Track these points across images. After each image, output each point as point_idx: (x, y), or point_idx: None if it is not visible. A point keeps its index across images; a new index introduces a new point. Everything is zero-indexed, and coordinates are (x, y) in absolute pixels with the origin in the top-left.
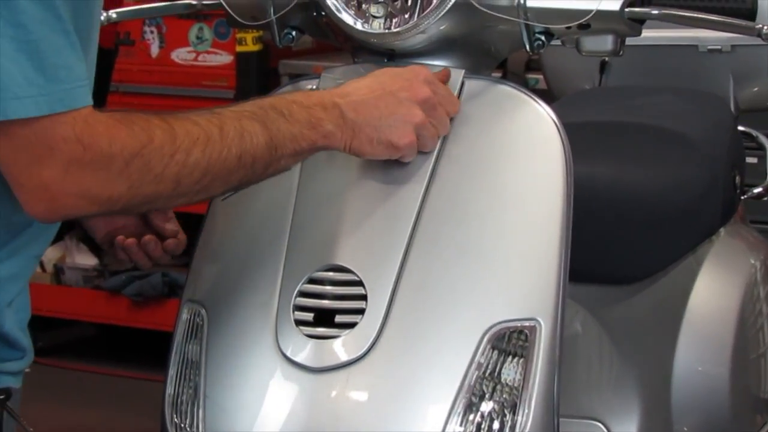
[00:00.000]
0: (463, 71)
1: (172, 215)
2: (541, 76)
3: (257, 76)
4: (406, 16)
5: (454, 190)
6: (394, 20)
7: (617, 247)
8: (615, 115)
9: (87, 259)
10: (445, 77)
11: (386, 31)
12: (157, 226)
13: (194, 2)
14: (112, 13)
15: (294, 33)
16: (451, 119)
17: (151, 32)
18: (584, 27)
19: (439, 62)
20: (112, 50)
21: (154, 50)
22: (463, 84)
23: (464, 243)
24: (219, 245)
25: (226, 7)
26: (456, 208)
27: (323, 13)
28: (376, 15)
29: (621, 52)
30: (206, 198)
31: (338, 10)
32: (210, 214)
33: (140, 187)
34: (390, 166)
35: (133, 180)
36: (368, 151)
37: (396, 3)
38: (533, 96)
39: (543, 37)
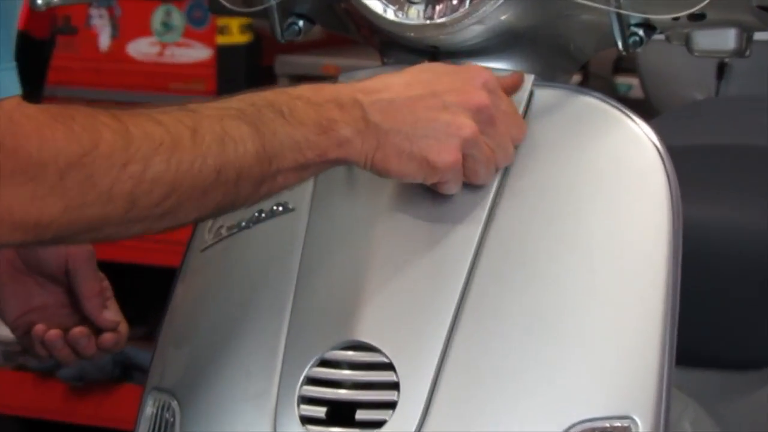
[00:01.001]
0: (532, 77)
1: (112, 298)
2: (635, 81)
3: (245, 77)
4: (454, 1)
5: (520, 240)
6: (437, 7)
7: (740, 320)
8: (738, 136)
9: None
10: (514, 84)
11: (427, 21)
12: (90, 312)
13: None
14: None
15: (301, 23)
16: (515, 147)
17: (100, 17)
18: (697, 18)
19: (500, 65)
20: (47, 41)
21: (104, 41)
22: (532, 94)
23: (533, 314)
24: (196, 313)
25: None
26: (522, 266)
27: None
28: (415, 0)
29: (747, 53)
30: (173, 226)
31: None
32: (184, 269)
33: (80, 209)
34: (431, 203)
35: (71, 198)
36: (395, 167)
37: None
38: (626, 110)
39: (641, 32)
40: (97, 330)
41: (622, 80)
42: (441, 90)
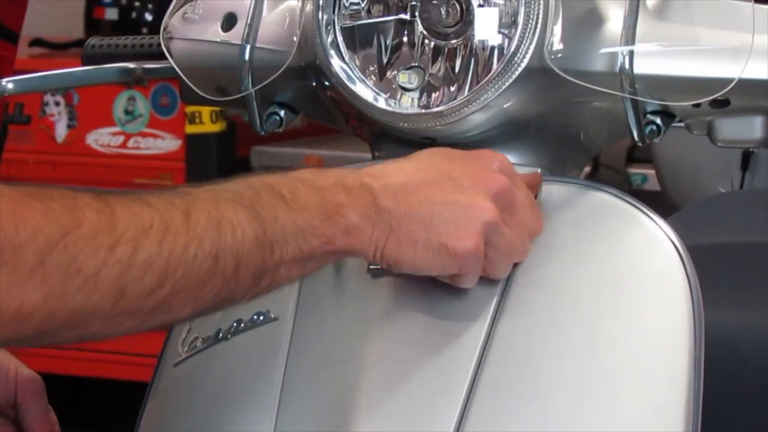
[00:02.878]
0: (539, 171)
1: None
2: (651, 172)
3: (218, 170)
4: (452, 88)
5: (527, 349)
6: (434, 95)
7: None
8: (765, 233)
9: None
10: (532, 184)
11: (422, 110)
12: None
13: (132, 66)
14: (8, 83)
15: (282, 113)
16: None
17: (56, 104)
18: (721, 104)
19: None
20: None
21: (61, 131)
22: (539, 189)
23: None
24: None
25: (182, 76)
26: (530, 381)
27: (327, 83)
28: (408, 86)
29: None
30: (166, 322)
31: (351, 79)
32: (155, 385)
33: (63, 298)
34: (427, 311)
35: (53, 284)
36: (409, 257)
37: (437, 69)
38: (642, 206)
39: (659, 120)
40: None
41: (636, 171)
42: (456, 173)
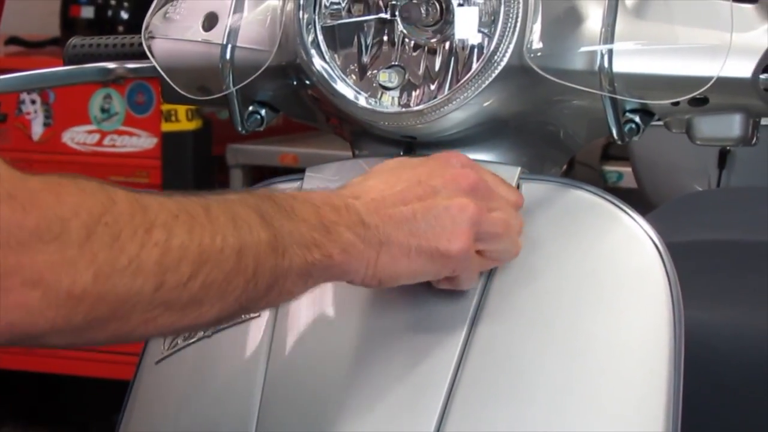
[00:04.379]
0: (518, 169)
1: None
2: (626, 170)
3: (194, 168)
4: (432, 86)
5: (508, 347)
6: (414, 93)
7: (746, 428)
8: (743, 231)
9: None
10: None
11: (403, 109)
12: None
13: (114, 66)
14: None
15: (263, 112)
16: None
17: (32, 102)
18: (700, 102)
19: (484, 156)
20: None
21: (37, 129)
22: (518, 188)
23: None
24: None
25: (164, 75)
26: (510, 378)
27: (308, 82)
28: (389, 85)
29: (754, 140)
30: (197, 324)
31: (332, 78)
32: (137, 383)
33: (111, 278)
34: (408, 309)
35: (101, 262)
36: (403, 267)
37: (417, 68)
38: (622, 204)
39: (638, 118)
40: None
41: (612, 169)
42: (424, 176)
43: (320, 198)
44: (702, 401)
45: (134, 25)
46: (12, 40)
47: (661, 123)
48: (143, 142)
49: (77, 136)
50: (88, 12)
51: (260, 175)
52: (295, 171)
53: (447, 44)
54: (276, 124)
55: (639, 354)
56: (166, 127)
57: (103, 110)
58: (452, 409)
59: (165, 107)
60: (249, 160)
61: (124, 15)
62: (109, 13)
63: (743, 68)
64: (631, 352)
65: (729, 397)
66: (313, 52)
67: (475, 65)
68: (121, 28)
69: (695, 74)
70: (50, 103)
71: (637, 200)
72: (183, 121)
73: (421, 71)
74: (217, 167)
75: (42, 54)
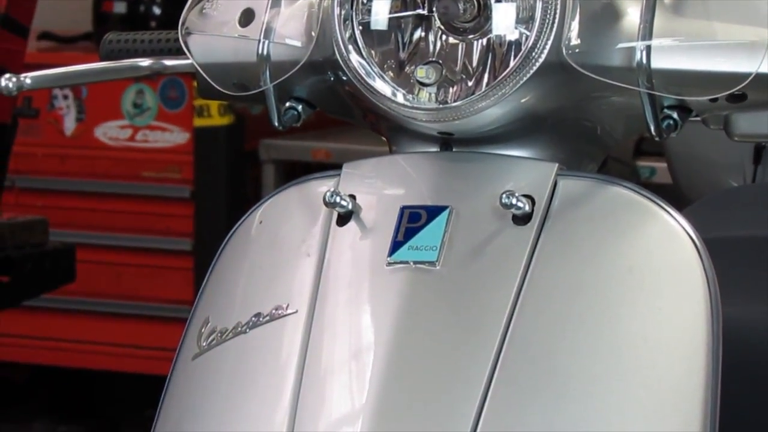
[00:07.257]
0: (555, 166)
1: None
2: (659, 165)
3: (226, 164)
4: (470, 83)
5: (545, 343)
6: (451, 90)
7: None
8: None
9: None
10: None
11: (440, 105)
12: None
13: (150, 62)
14: (26, 78)
15: (300, 107)
16: (539, 237)
17: (65, 98)
18: (738, 99)
19: (520, 153)
20: (9, 126)
21: (69, 125)
22: (555, 185)
23: (559, 429)
24: (186, 428)
25: (201, 71)
26: (547, 374)
27: (344, 79)
28: (426, 81)
29: None
30: None
31: (369, 74)
32: (174, 379)
33: None
34: (445, 306)
35: None
36: None
37: (454, 64)
38: (659, 200)
39: (675, 114)
40: None
41: (645, 164)
42: None
43: None
44: (738, 398)
45: (167, 21)
46: (44, 35)
47: (698, 119)
48: (175, 137)
49: (109, 131)
50: (120, 7)
51: (293, 170)
52: (328, 166)
53: (484, 40)
54: (308, 120)
55: (677, 350)
56: (199, 122)
57: (135, 105)
58: (489, 404)
59: (197, 102)
60: (282, 156)
61: (157, 10)
62: (142, 8)
63: None
64: (668, 348)
65: (766, 394)
66: (350, 48)
67: (512, 61)
68: (153, 24)
69: (733, 70)
70: (82, 98)
71: (671, 196)
72: (215, 117)
73: (458, 67)
74: (249, 163)
75: (74, 49)
